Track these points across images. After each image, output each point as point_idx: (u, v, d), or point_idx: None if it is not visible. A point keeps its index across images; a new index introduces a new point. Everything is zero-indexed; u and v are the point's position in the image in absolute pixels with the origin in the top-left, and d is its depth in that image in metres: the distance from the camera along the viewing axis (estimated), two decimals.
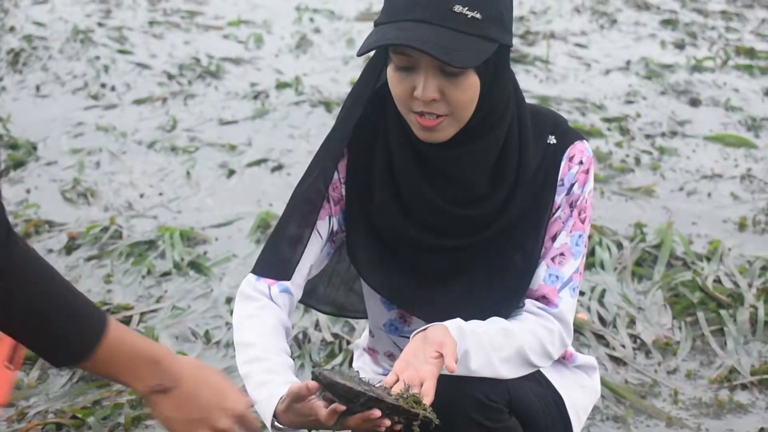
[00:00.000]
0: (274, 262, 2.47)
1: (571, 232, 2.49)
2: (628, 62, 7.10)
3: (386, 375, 2.68)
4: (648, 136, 5.96)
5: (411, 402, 2.18)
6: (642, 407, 3.67)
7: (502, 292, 2.47)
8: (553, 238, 2.48)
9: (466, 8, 2.29)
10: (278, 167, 5.42)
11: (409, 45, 2.28)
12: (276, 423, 2.31)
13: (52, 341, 1.72)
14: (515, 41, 7.06)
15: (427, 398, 2.20)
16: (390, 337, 2.62)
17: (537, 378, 2.53)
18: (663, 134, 6.00)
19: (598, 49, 7.41)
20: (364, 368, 2.76)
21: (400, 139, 2.44)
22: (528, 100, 2.51)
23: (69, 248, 4.59)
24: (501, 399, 2.41)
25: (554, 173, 2.47)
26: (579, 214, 2.49)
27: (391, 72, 2.38)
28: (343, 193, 2.51)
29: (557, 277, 2.48)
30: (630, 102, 6.47)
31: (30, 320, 1.70)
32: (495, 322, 2.43)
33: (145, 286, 4.33)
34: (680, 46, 7.52)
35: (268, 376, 2.34)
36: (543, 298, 2.48)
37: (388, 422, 2.18)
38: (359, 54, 2.35)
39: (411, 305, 2.52)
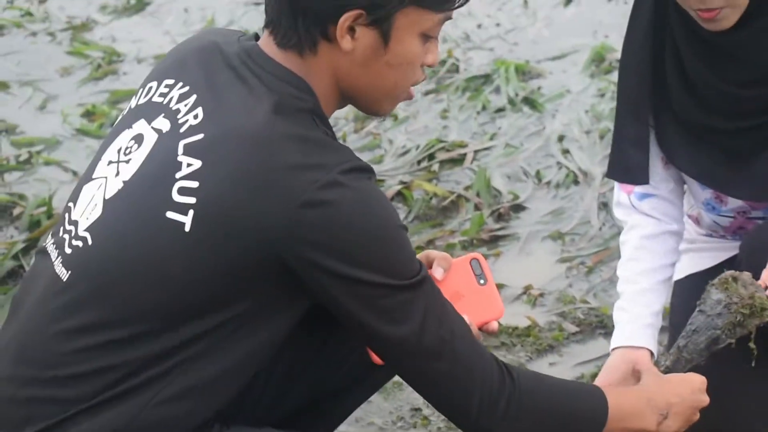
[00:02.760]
0: (624, 168, 2.57)
1: None
2: None
3: (709, 236, 2.72)
4: None
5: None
6: None
7: None
8: None
9: None
10: None
11: None
12: None
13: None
14: None
15: None
16: (709, 216, 2.65)
17: None
18: None
19: None
20: (686, 226, 2.76)
21: (685, 32, 2.44)
22: None
23: None
24: None
25: None
26: None
27: None
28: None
29: None
30: None
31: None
32: None
33: (479, 123, 4.41)
34: None
35: (618, 314, 2.52)
36: None
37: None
38: None
39: (720, 185, 2.56)
